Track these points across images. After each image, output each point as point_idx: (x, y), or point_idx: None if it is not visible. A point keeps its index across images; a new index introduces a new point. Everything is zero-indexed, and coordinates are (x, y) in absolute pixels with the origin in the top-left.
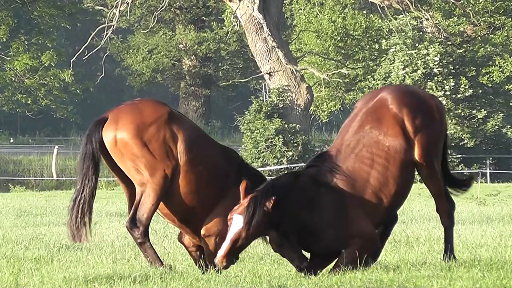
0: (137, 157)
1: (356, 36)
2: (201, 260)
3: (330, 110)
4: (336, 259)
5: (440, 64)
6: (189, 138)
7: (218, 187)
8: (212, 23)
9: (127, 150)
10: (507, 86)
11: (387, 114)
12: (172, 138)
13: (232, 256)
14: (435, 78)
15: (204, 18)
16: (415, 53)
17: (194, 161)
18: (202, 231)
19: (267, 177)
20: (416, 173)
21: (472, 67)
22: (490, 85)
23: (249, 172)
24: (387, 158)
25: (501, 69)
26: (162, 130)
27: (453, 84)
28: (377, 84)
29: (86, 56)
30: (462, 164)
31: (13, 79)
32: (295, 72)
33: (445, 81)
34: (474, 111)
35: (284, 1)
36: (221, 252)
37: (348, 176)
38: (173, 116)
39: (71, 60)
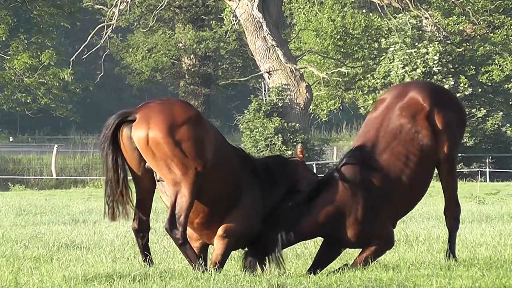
0: (169, 156)
1: (355, 35)
2: (200, 259)
3: (329, 109)
4: (354, 259)
5: (440, 63)
6: (216, 140)
7: (237, 189)
8: (212, 22)
9: (159, 149)
10: (506, 85)
11: (421, 111)
12: (202, 138)
13: None
14: (435, 77)
15: (204, 17)
16: (414, 52)
17: (219, 163)
18: (220, 231)
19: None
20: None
21: (471, 66)
22: (490, 84)
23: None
24: (420, 157)
25: (500, 68)
26: (193, 130)
27: (452, 83)
28: (377, 83)
29: (86, 55)
30: (462, 163)
31: (13, 78)
32: (294, 71)
33: (444, 80)
34: (473, 110)
35: (284, 0)
36: None
37: (381, 173)
38: (201, 118)
39: (71, 59)
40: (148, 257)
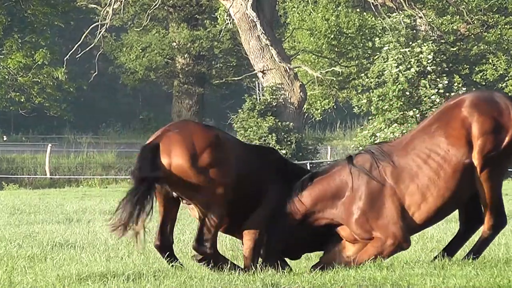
0: (195, 184)
1: (349, 34)
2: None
3: (323, 108)
4: (358, 254)
5: (434, 62)
6: (236, 156)
7: (258, 192)
8: (206, 21)
9: (184, 178)
10: (500, 84)
11: (457, 116)
12: (223, 161)
13: None
14: (429, 76)
15: (198, 16)
16: (408, 51)
17: (240, 176)
18: (244, 226)
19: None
20: None
21: (465, 65)
22: (484, 83)
23: (289, 170)
24: (444, 158)
25: (494, 67)
26: (215, 155)
27: (446, 82)
28: (370, 82)
29: (80, 54)
30: None
31: (7, 77)
32: (288, 70)
33: (438, 79)
34: None
35: None
36: None
37: (394, 166)
38: (220, 140)
39: (65, 58)
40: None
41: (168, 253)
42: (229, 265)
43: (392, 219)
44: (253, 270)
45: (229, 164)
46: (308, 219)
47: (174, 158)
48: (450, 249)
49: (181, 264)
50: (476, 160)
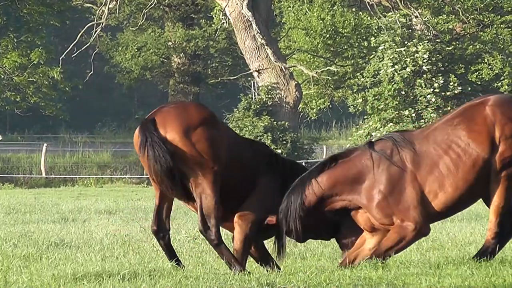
0: (187, 157)
1: (345, 34)
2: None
3: (319, 108)
4: (379, 243)
5: (429, 61)
6: (229, 138)
7: (249, 182)
8: (201, 20)
9: (177, 151)
10: (496, 84)
11: (481, 113)
12: (217, 138)
13: None
14: (424, 75)
15: (193, 16)
16: (404, 50)
17: (234, 160)
18: (235, 218)
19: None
20: None
21: (461, 65)
22: (479, 83)
23: (280, 164)
24: (464, 151)
25: (490, 67)
26: (209, 131)
27: (442, 81)
28: (366, 82)
29: (75, 54)
30: None
31: (2, 76)
32: (284, 70)
33: (434, 79)
34: None
35: None
36: None
37: (415, 153)
38: (215, 119)
39: (60, 58)
40: (174, 257)
41: (164, 242)
42: (232, 261)
43: (413, 204)
44: (243, 265)
45: (222, 144)
46: (324, 202)
47: (168, 132)
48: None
49: (177, 261)
50: (497, 164)
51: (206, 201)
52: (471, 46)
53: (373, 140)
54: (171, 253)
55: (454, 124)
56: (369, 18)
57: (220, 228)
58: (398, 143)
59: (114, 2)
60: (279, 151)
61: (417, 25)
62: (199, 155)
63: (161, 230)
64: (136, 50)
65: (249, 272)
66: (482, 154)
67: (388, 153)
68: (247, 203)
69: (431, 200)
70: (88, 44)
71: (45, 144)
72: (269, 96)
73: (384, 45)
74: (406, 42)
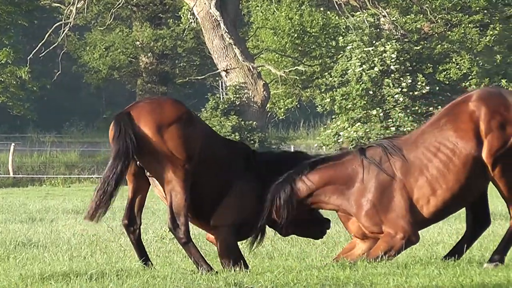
0: (159, 154)
1: (313, 33)
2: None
3: (287, 107)
4: (368, 250)
5: (397, 61)
6: (205, 137)
7: (226, 181)
8: (169, 20)
9: (150, 148)
10: (464, 83)
11: (465, 110)
12: (191, 136)
13: None
14: (392, 75)
15: (161, 15)
16: (372, 50)
17: (208, 158)
18: (212, 222)
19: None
20: None
21: (429, 64)
22: (447, 82)
23: (260, 159)
24: (453, 152)
25: (458, 66)
26: (183, 129)
27: (410, 81)
28: (334, 82)
29: (43, 53)
30: None
31: None
32: (252, 69)
33: (402, 78)
34: (431, 108)
35: None
36: None
37: (404, 159)
38: (191, 116)
39: (28, 57)
40: (143, 253)
41: (134, 237)
42: (201, 261)
43: (401, 213)
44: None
45: (197, 142)
46: (312, 199)
47: (141, 127)
48: (458, 250)
49: (146, 258)
50: (487, 158)
51: (176, 199)
52: (439, 46)
53: (364, 146)
54: (140, 249)
55: (440, 125)
56: (337, 17)
57: (190, 226)
58: (387, 150)
59: (82, 2)
60: None
61: (385, 25)
62: (170, 152)
63: (132, 225)
64: (104, 49)
65: (216, 272)
66: (471, 152)
67: (378, 160)
68: (224, 205)
69: (423, 205)
70: (56, 44)
71: (12, 144)
72: (237, 95)
73: (352, 45)
74: (374, 42)
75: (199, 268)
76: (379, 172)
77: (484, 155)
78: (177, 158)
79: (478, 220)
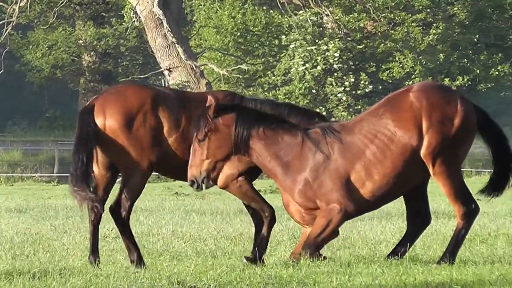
0: (125, 145)
1: (256, 32)
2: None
3: None
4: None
5: (340, 60)
6: (174, 117)
7: None
8: (112, 19)
9: (116, 138)
10: (407, 82)
11: (406, 101)
12: (157, 122)
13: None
14: (335, 74)
15: (104, 14)
16: (315, 49)
17: (183, 135)
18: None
19: None
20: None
21: (372, 63)
22: (390, 81)
23: None
24: (391, 139)
25: (401, 65)
26: (148, 117)
27: (353, 80)
28: (277, 80)
29: None
30: None
31: None
32: (194, 68)
33: (345, 77)
34: None
35: None
36: None
37: (341, 143)
38: (157, 99)
39: None
40: (96, 243)
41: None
42: (134, 251)
43: (335, 187)
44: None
45: (165, 128)
46: (257, 151)
47: (108, 117)
48: (401, 249)
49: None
50: (426, 156)
51: (130, 187)
52: (382, 45)
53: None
54: (95, 237)
55: (379, 114)
56: (280, 16)
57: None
58: (326, 132)
59: (25, 1)
60: None
61: (328, 24)
62: (137, 143)
63: (99, 201)
64: (46, 48)
65: (159, 270)
66: (410, 142)
67: (317, 141)
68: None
69: (359, 188)
70: None
71: None
72: None
73: (295, 44)
74: (317, 41)
75: (130, 256)
76: (316, 151)
77: (423, 152)
78: (143, 150)
79: (419, 218)
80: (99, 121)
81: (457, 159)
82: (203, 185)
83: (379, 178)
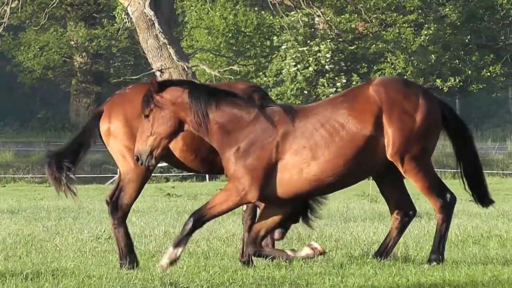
0: (126, 147)
1: (247, 33)
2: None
3: None
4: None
5: (332, 61)
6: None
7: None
8: (103, 20)
9: (118, 140)
10: None
11: (365, 93)
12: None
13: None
14: (327, 75)
15: (95, 15)
16: (306, 50)
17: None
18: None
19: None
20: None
21: (363, 64)
22: None
23: None
24: (342, 126)
25: (392, 66)
26: None
27: (344, 81)
28: (269, 81)
29: None
30: None
31: None
32: (186, 69)
33: (336, 78)
34: None
35: None
36: None
37: (291, 125)
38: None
39: None
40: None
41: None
42: (124, 250)
43: (252, 169)
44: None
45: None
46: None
47: (112, 120)
48: (388, 245)
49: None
50: (393, 155)
51: (127, 187)
52: (374, 46)
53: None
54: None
55: (336, 103)
56: (271, 17)
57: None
58: (282, 113)
59: (16, 2)
60: None
61: (319, 24)
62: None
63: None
64: (38, 49)
65: (152, 271)
66: (363, 132)
67: (267, 119)
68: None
69: (302, 169)
70: None
71: None
72: None
73: (287, 45)
74: (308, 42)
75: (121, 258)
76: (262, 129)
77: (389, 153)
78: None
79: (403, 212)
80: (104, 124)
81: (425, 154)
82: (146, 162)
83: (324, 161)
